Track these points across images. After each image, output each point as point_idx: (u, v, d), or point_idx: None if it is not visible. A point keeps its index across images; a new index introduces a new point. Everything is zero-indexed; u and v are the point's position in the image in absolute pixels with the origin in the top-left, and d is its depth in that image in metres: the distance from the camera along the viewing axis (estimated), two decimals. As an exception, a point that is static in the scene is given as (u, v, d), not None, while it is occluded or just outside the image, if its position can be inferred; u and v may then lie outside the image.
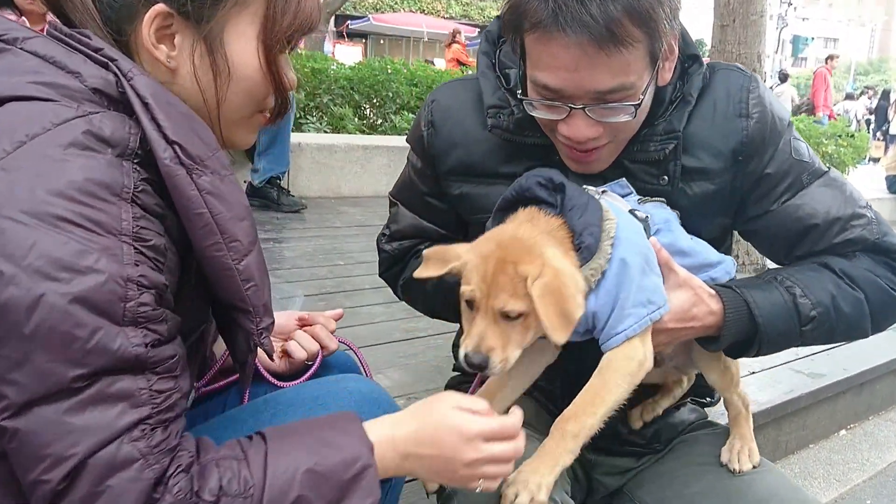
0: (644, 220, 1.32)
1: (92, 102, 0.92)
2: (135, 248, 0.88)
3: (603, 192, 1.34)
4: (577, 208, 1.22)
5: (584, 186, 1.33)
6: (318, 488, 0.94)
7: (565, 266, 1.17)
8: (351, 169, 5.64)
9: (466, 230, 1.54)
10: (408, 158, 1.62)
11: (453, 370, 1.72)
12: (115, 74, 0.94)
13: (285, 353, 1.42)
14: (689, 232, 1.42)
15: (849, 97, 17.57)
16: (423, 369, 2.54)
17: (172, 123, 0.93)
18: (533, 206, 1.26)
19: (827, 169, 1.46)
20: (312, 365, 1.41)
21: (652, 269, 1.27)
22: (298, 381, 1.37)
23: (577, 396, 1.23)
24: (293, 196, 4.97)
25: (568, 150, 1.36)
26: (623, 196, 1.37)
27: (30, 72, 0.92)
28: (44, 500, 0.83)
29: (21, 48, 0.95)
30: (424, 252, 1.26)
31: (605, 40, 1.17)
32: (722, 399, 1.54)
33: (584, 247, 1.20)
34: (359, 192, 5.64)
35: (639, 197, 1.38)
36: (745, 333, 1.35)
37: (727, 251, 1.54)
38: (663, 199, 1.39)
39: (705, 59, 1.44)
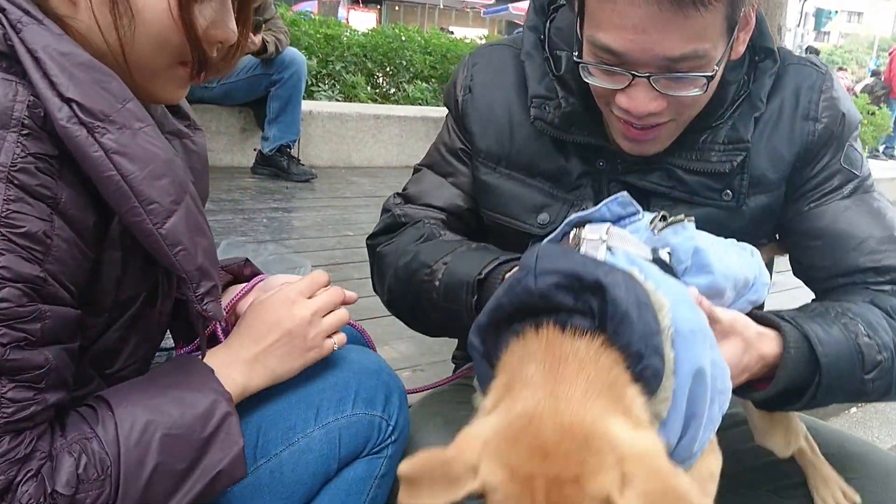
0: (669, 263, 1.04)
1: None
2: (1, 235, 0.79)
3: (607, 231, 1.03)
4: (625, 316, 0.81)
5: (576, 217, 1.10)
6: (175, 451, 0.90)
7: (651, 445, 0.75)
8: (362, 139, 5.60)
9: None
10: (444, 122, 1.47)
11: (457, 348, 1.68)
12: (3, 26, 0.83)
13: None
14: (743, 237, 1.25)
15: (874, 74, 17.24)
16: (430, 341, 2.52)
17: (68, 78, 0.83)
18: (548, 319, 0.83)
19: (872, 185, 1.32)
20: None
21: (713, 345, 0.96)
22: None
23: None
24: (303, 165, 4.94)
25: (623, 127, 1.20)
26: (628, 218, 1.10)
27: None
28: None
29: None
30: (408, 469, 0.76)
31: (683, 4, 1.01)
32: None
33: (650, 375, 0.82)
34: (370, 163, 5.60)
35: (650, 217, 1.09)
36: (801, 377, 1.11)
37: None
38: (683, 217, 1.08)
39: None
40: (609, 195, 1.20)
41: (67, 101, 0.82)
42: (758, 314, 1.16)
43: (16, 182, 0.80)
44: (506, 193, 1.36)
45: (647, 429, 0.80)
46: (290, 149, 4.85)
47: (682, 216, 1.07)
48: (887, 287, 1.25)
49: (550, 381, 0.77)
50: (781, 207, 1.31)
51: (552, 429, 0.73)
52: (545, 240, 1.15)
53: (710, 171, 1.26)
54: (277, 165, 4.76)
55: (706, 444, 0.92)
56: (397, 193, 1.49)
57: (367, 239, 1.49)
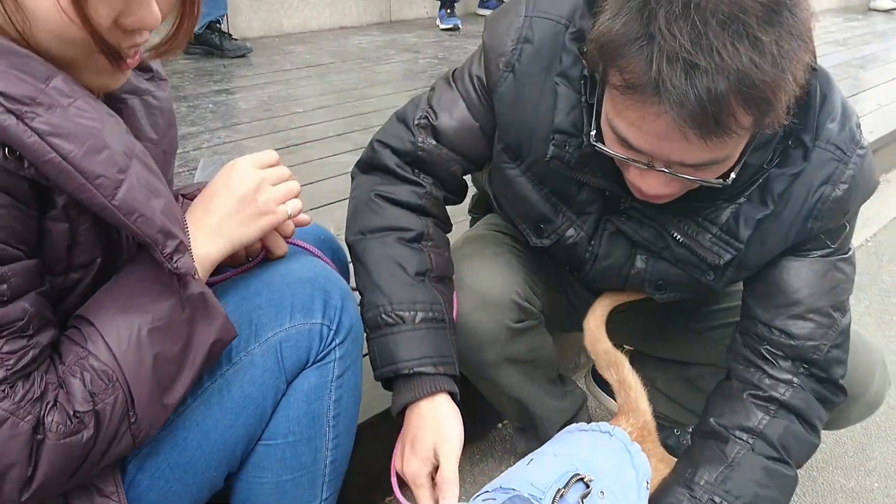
0: None
1: None
2: None
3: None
4: None
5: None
6: (166, 339, 0.94)
7: None
8: (291, 3, 5.41)
9: None
10: (480, 57, 1.36)
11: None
12: None
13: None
14: (704, 295, 1.40)
15: None
16: None
17: None
18: None
19: (844, 250, 1.31)
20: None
21: None
22: (247, 266, 1.20)
23: None
24: (236, 40, 4.79)
25: (636, 192, 1.20)
26: None
27: None
28: None
29: None
30: None
31: (707, 127, 0.97)
32: None
33: None
34: (303, 28, 5.45)
35: None
36: None
37: None
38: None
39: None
40: (603, 233, 1.32)
41: None
42: None
43: None
44: (517, 191, 1.36)
45: None
46: (220, 24, 4.67)
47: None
48: (787, 368, 1.31)
49: None
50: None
51: None
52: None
53: (698, 253, 1.28)
54: (209, 43, 4.61)
55: None
56: (424, 118, 1.38)
57: (376, 141, 1.42)
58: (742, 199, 1.23)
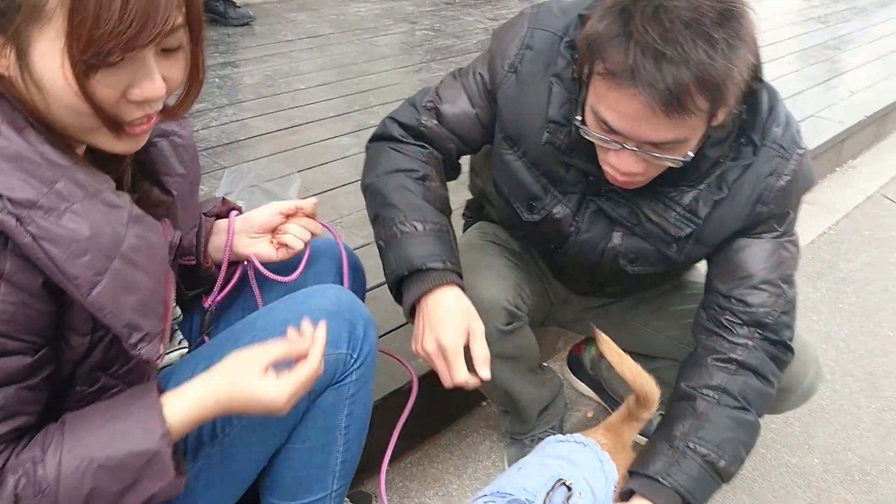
0: None
1: None
2: None
3: None
4: None
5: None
6: (110, 479, 1.02)
7: None
8: (291, -34, 5.48)
9: None
10: (487, 60, 1.60)
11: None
12: None
13: (282, 245, 1.49)
14: (674, 268, 1.65)
15: None
16: None
17: (1, 175, 0.91)
18: None
19: (790, 234, 1.57)
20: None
21: None
22: (292, 276, 1.47)
23: None
24: (239, 7, 4.91)
25: (610, 176, 1.44)
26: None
27: None
28: None
29: None
30: None
31: (671, 106, 1.22)
32: None
33: None
34: (303, -8, 5.53)
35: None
36: None
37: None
38: None
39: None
40: (585, 211, 1.57)
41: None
42: (639, 490, 1.47)
43: None
44: (513, 173, 1.61)
45: None
46: (223, -10, 4.79)
47: None
48: (744, 334, 1.55)
49: None
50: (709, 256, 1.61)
51: None
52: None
53: (664, 227, 1.53)
54: (214, 11, 4.73)
55: None
56: (431, 102, 1.63)
57: (387, 119, 1.67)
58: (702, 186, 1.48)
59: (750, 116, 1.44)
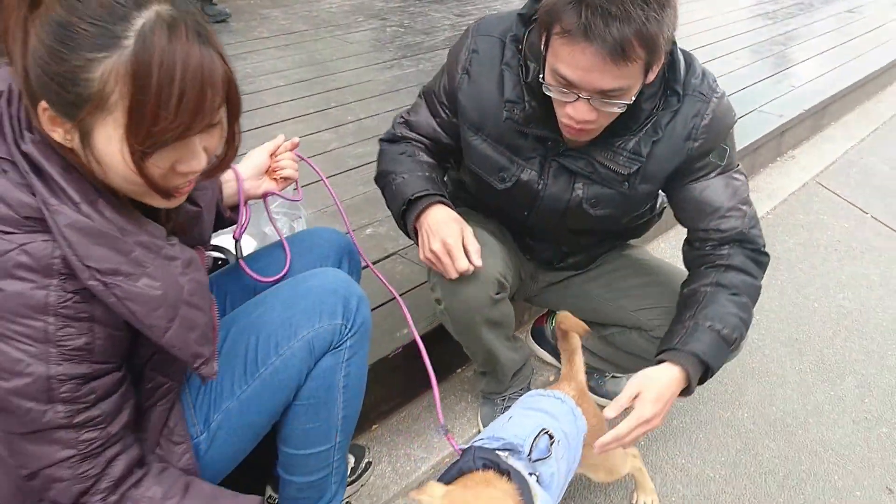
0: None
1: (27, 227, 1.10)
2: (58, 351, 1.13)
3: (507, 454, 1.60)
4: (523, 490, 1.48)
5: (497, 452, 1.58)
6: None
7: None
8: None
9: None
10: (442, 74, 1.97)
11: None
12: (41, 203, 1.09)
13: (283, 179, 1.80)
14: (631, 205, 1.93)
15: None
16: (378, 197, 3.06)
17: (87, 249, 1.10)
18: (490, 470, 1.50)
19: (734, 166, 1.89)
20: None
21: None
22: (281, 274, 1.75)
23: None
24: (216, 4, 5.12)
25: (567, 127, 1.71)
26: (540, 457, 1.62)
27: None
28: (22, 480, 1.24)
29: None
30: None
31: (617, 55, 1.50)
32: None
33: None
34: (277, -11, 5.75)
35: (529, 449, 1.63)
36: (701, 376, 1.76)
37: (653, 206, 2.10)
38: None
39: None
40: (549, 170, 1.87)
41: (87, 266, 1.10)
42: (666, 358, 1.74)
43: (62, 314, 1.12)
44: (481, 153, 1.94)
45: None
46: (201, -12, 5.00)
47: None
48: (726, 249, 1.87)
49: (478, 487, 1.47)
50: (666, 186, 1.92)
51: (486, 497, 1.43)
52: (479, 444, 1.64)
53: (616, 169, 1.85)
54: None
55: None
56: (402, 117, 2.08)
57: (379, 141, 2.12)
58: (641, 133, 1.80)
59: (671, 73, 1.76)
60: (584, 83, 1.59)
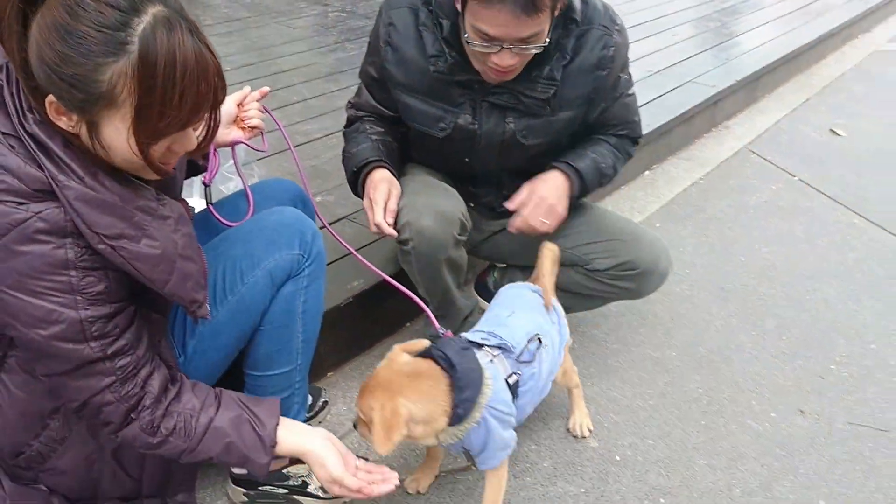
0: (515, 384, 1.83)
1: (37, 198, 1.23)
2: (84, 298, 1.29)
3: (494, 356, 1.83)
4: (462, 386, 1.66)
5: (483, 350, 1.83)
6: (229, 453, 1.50)
7: (406, 412, 1.61)
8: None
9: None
10: (368, 55, 2.23)
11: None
12: (48, 178, 1.23)
13: (251, 129, 1.92)
14: (557, 132, 2.19)
15: None
16: (326, 169, 3.21)
17: (94, 217, 1.24)
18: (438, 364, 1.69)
19: (630, 91, 2.28)
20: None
21: (507, 425, 1.81)
22: (245, 219, 1.87)
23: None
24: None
25: (493, 72, 1.97)
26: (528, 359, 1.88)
27: None
28: (73, 413, 1.46)
29: None
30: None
31: (529, 9, 1.77)
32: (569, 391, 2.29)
33: (457, 414, 1.67)
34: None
35: (520, 350, 1.87)
36: (582, 188, 2.23)
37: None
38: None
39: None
40: (481, 110, 2.10)
41: (95, 233, 1.25)
42: (554, 167, 2.18)
43: (81, 266, 1.28)
44: (417, 110, 2.18)
45: (426, 417, 1.64)
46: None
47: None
48: (615, 136, 2.32)
49: (410, 377, 1.67)
50: (585, 114, 2.21)
51: (407, 377, 1.66)
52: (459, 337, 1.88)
53: (537, 97, 2.09)
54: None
55: (497, 464, 1.84)
56: (350, 102, 2.38)
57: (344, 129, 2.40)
58: (552, 60, 2.05)
59: (570, 7, 2.02)
60: (505, 36, 1.84)
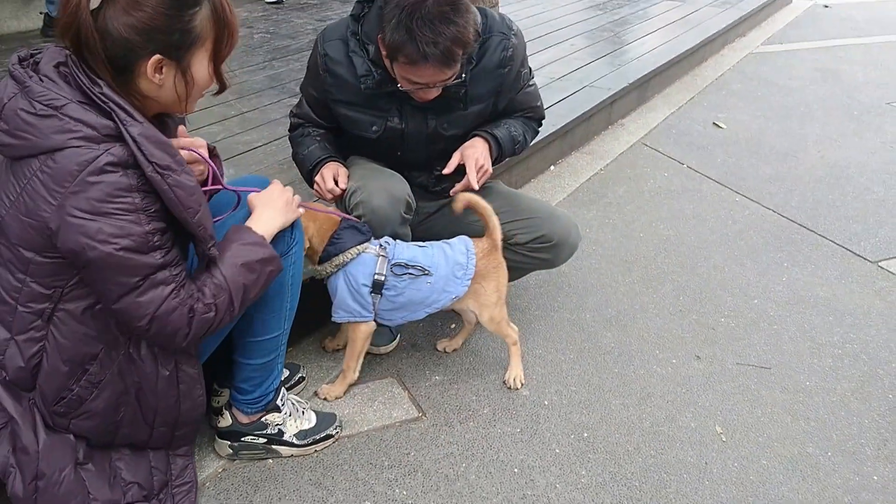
0: (380, 283, 2.37)
1: (106, 140, 1.54)
2: (145, 215, 1.57)
3: (381, 255, 2.38)
4: (335, 242, 2.33)
5: (378, 247, 2.39)
6: (250, 272, 1.79)
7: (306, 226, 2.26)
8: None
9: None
10: (309, 79, 2.57)
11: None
12: (116, 122, 1.56)
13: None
14: (471, 122, 2.56)
15: None
16: (269, 173, 3.47)
17: (150, 149, 1.56)
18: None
19: (531, 82, 2.68)
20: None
21: (356, 299, 2.38)
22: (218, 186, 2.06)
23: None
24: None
25: (418, 99, 2.38)
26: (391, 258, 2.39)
27: (69, 132, 1.54)
28: (144, 334, 1.68)
29: (63, 113, 1.54)
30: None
31: (447, 63, 2.18)
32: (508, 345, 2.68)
33: (324, 254, 2.34)
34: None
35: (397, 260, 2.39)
36: (499, 153, 2.60)
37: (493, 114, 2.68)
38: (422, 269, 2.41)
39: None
40: (406, 113, 2.45)
41: (151, 162, 1.56)
42: (475, 134, 2.58)
43: (141, 190, 1.57)
44: (354, 118, 2.53)
45: (311, 241, 2.33)
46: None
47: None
48: (523, 117, 2.72)
49: (321, 219, 2.36)
50: (495, 104, 2.58)
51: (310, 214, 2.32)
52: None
53: (449, 95, 2.44)
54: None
55: (340, 320, 2.46)
56: (292, 111, 2.72)
57: (288, 134, 2.75)
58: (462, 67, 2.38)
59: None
60: (430, 82, 2.28)
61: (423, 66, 2.17)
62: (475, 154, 2.50)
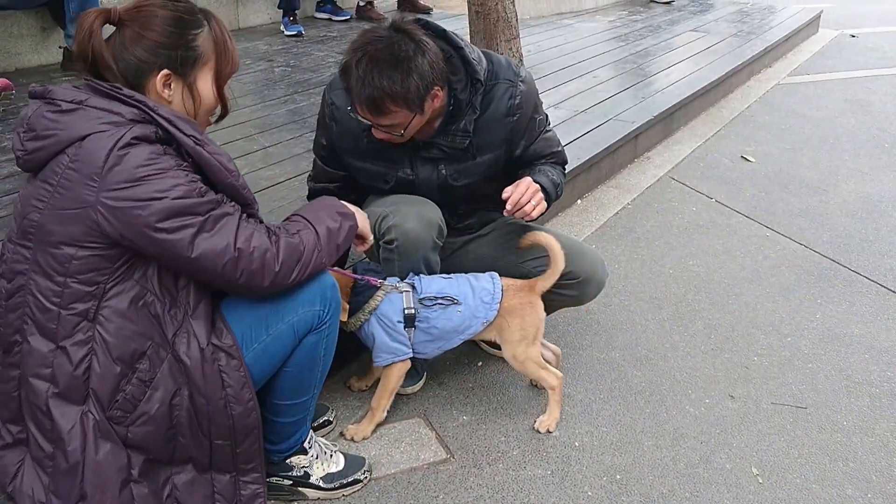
0: (411, 316, 2.39)
1: (129, 124, 1.68)
2: (182, 171, 1.69)
3: (404, 291, 2.41)
4: (357, 293, 2.36)
5: (399, 286, 2.42)
6: (331, 218, 1.98)
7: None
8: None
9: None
10: (319, 129, 2.60)
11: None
12: (142, 109, 1.70)
13: None
14: (483, 171, 2.53)
15: None
16: (292, 209, 3.47)
17: (184, 126, 1.73)
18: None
19: (548, 127, 2.64)
20: None
21: (395, 338, 2.40)
22: None
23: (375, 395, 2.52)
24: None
25: (380, 139, 2.38)
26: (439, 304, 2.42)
27: (95, 118, 1.68)
28: (236, 280, 1.78)
29: (87, 105, 1.69)
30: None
31: (376, 111, 2.21)
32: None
33: (353, 306, 2.36)
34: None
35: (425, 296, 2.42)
36: (548, 198, 2.51)
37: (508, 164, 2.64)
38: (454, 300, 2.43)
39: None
40: (417, 163, 2.47)
41: (189, 136, 1.72)
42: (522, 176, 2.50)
43: (170, 153, 1.70)
44: (364, 169, 2.57)
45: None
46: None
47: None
48: (551, 161, 2.66)
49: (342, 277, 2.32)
50: (508, 154, 2.55)
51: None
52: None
53: (457, 147, 2.46)
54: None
55: (383, 364, 2.47)
56: (309, 174, 2.80)
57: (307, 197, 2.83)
58: (465, 116, 2.41)
59: (467, 66, 2.37)
60: (373, 122, 2.31)
61: (357, 104, 2.25)
62: (525, 182, 2.44)
